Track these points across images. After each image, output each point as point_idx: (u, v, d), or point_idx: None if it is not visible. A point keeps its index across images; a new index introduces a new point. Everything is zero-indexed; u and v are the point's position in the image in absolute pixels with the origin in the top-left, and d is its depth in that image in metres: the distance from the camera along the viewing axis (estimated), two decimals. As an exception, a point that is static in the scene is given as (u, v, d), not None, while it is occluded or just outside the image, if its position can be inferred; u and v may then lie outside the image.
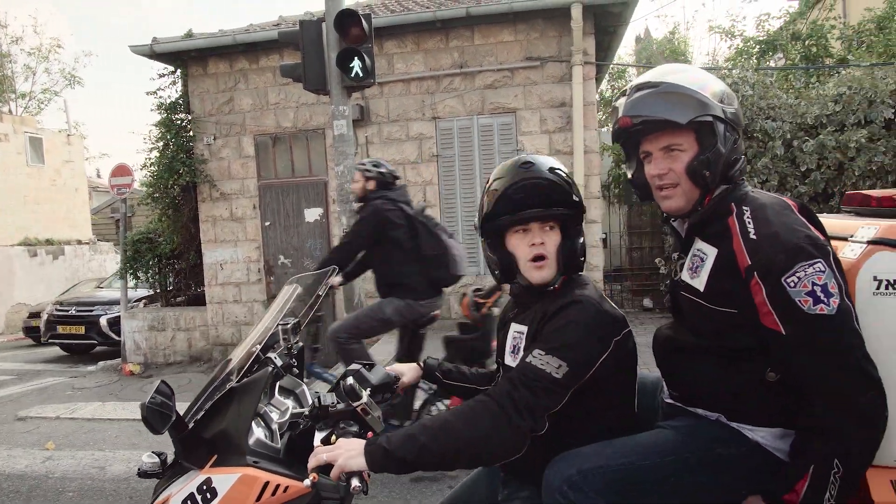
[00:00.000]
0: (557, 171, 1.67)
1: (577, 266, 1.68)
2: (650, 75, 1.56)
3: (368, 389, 1.79)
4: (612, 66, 11.00)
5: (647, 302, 9.01)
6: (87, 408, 6.27)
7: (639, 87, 1.54)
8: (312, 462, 1.44)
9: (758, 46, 11.22)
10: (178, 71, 9.17)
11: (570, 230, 1.68)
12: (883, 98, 6.87)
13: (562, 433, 1.56)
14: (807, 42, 10.52)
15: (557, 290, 1.67)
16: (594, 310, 1.55)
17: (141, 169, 9.44)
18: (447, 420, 1.46)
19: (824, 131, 7.01)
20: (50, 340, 10.57)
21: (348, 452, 1.41)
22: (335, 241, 7.57)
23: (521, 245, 1.67)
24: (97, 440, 5.26)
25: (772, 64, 10.83)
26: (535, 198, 1.63)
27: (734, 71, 8.28)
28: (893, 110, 6.85)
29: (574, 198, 1.66)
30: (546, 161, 1.69)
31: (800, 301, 1.33)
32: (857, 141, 6.78)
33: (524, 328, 1.68)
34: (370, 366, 1.92)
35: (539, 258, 1.64)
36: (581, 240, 1.69)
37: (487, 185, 1.73)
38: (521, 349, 1.66)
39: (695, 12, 39.04)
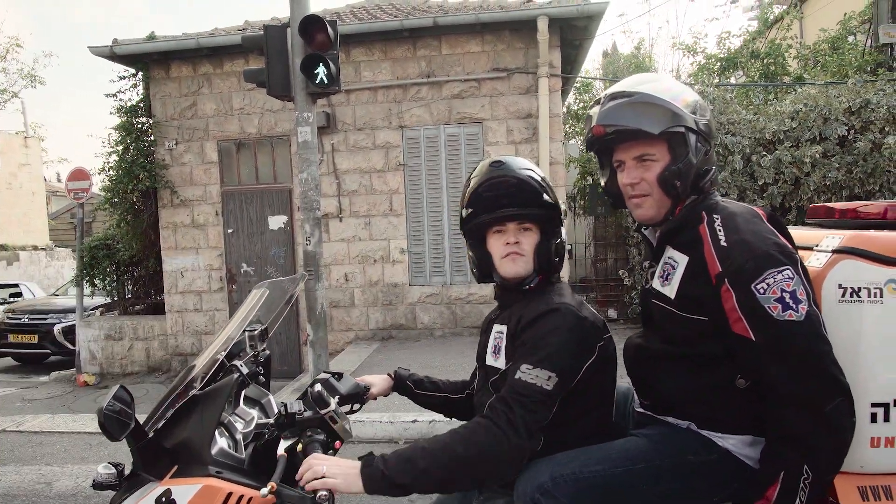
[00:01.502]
0: (529, 171, 1.68)
1: (552, 266, 1.69)
2: (624, 84, 1.57)
3: (336, 398, 1.76)
4: (578, 78, 11.16)
5: (611, 312, 9.12)
6: (36, 420, 6.02)
7: (613, 97, 1.55)
8: (308, 476, 1.39)
9: (719, 63, 11.55)
10: (140, 74, 8.98)
11: (548, 231, 1.69)
12: (836, 115, 7.12)
13: (545, 441, 1.55)
14: (765, 60, 10.88)
15: (533, 290, 1.68)
16: (574, 317, 1.55)
17: (99, 173, 9.20)
18: (446, 443, 1.44)
19: (781, 147, 7.22)
20: (0, 350, 10.16)
21: (345, 476, 1.38)
22: (299, 250, 7.47)
23: (496, 244, 1.69)
24: (45, 454, 5.05)
25: (732, 80, 11.14)
26: (507, 197, 1.64)
27: (696, 86, 8.48)
28: (846, 127, 7.09)
29: (547, 198, 1.66)
30: (518, 162, 1.70)
31: (769, 307, 1.34)
32: (812, 157, 7.00)
33: (504, 328, 1.67)
34: (339, 375, 1.89)
35: (512, 254, 1.65)
36: (557, 241, 1.70)
37: (465, 187, 1.74)
38: (502, 349, 1.66)
39: (659, 29, 40.05)
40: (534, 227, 1.68)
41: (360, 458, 1.42)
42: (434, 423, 4.71)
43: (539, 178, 1.67)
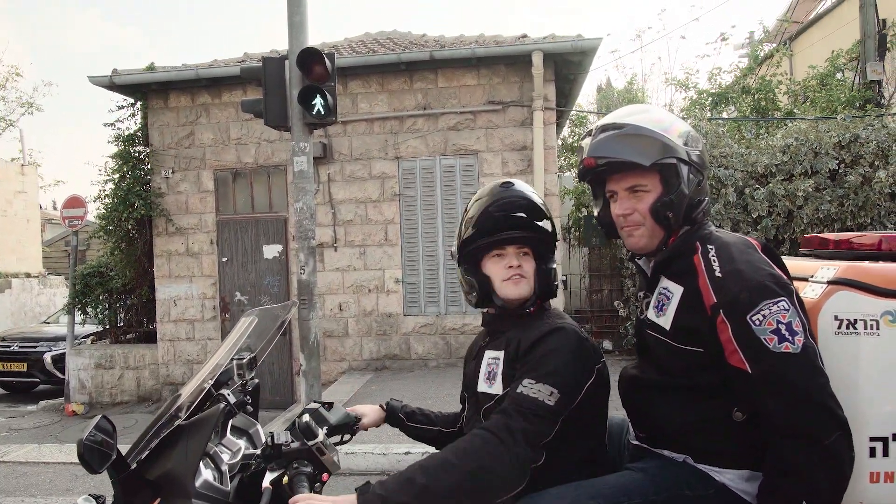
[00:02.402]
0: (534, 194, 1.73)
1: (551, 290, 1.71)
2: (615, 116, 1.58)
3: (325, 428, 1.72)
4: (572, 112, 11.29)
5: (606, 344, 9.06)
6: (21, 450, 5.90)
7: (604, 128, 1.55)
8: None
9: (710, 98, 11.71)
10: (139, 103, 9.04)
11: (544, 257, 1.72)
12: (827, 150, 7.20)
13: (543, 462, 1.51)
14: (756, 96, 11.03)
15: (533, 314, 1.69)
16: (576, 337, 1.58)
17: (95, 200, 9.18)
18: (445, 458, 1.41)
19: (774, 180, 7.28)
20: (-12, 379, 10.02)
21: None
22: (294, 279, 7.45)
23: (496, 268, 1.69)
24: (29, 485, 4.93)
25: (724, 115, 11.29)
26: (513, 219, 1.66)
27: (689, 120, 8.58)
28: (837, 161, 7.17)
29: (548, 223, 1.70)
30: (524, 185, 1.74)
31: (765, 339, 1.33)
32: (804, 190, 7.06)
33: (500, 353, 1.66)
34: (329, 405, 1.85)
35: (515, 276, 1.67)
36: (553, 265, 1.73)
37: (465, 212, 1.76)
38: (498, 374, 1.64)
39: (651, 65, 40.71)
40: (530, 251, 1.70)
41: (356, 489, 1.38)
42: (427, 455, 4.63)
43: (542, 202, 1.72)
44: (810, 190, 7.07)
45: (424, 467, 1.39)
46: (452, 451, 1.42)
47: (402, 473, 1.40)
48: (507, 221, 1.66)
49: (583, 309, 9.69)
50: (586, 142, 1.59)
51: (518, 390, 1.48)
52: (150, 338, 9.42)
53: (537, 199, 1.71)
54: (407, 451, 4.74)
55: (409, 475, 1.38)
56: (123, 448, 1.41)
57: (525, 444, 1.41)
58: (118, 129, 9.00)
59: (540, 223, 1.68)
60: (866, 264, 1.54)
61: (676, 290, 1.50)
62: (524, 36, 8.54)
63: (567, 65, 8.28)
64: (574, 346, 1.55)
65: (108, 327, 9.88)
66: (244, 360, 1.79)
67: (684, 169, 1.50)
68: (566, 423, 1.51)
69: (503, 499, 1.48)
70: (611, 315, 8.84)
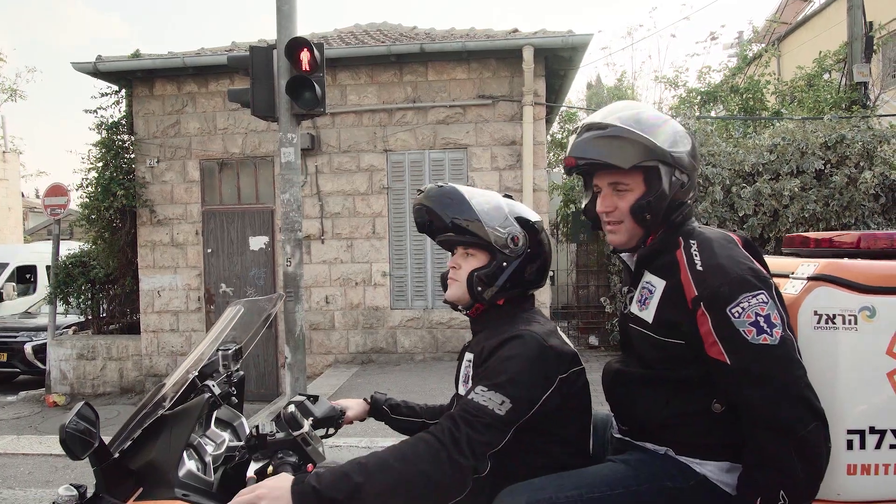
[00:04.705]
0: (449, 199, 1.66)
1: (474, 296, 1.66)
2: (602, 114, 1.58)
3: (311, 420, 1.72)
4: (562, 108, 11.31)
5: (592, 339, 9.10)
6: (0, 441, 5.84)
7: (588, 128, 1.56)
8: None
9: (699, 97, 11.78)
10: (123, 91, 8.93)
11: (494, 259, 1.66)
12: (813, 150, 7.27)
13: (505, 471, 1.52)
14: (744, 95, 11.12)
15: (498, 317, 1.68)
16: (537, 345, 1.51)
17: (77, 189, 9.06)
18: (384, 459, 1.38)
19: (760, 179, 7.35)
20: (-33, 369, 9.86)
21: (272, 494, 1.30)
22: (280, 271, 7.41)
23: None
24: (7, 477, 4.87)
25: (712, 114, 11.36)
26: (423, 224, 1.75)
27: (677, 119, 8.62)
28: (823, 162, 7.25)
29: (461, 226, 1.64)
30: (441, 190, 1.70)
31: (744, 331, 1.35)
32: (790, 189, 7.13)
33: (472, 356, 1.66)
34: (314, 398, 1.85)
35: (449, 279, 1.72)
36: (488, 271, 1.64)
37: None
38: (470, 377, 1.63)
39: (642, 63, 40.83)
40: (478, 252, 1.67)
41: (292, 481, 1.34)
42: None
43: (450, 205, 1.65)
44: (796, 189, 7.14)
45: (363, 465, 1.36)
46: (393, 453, 1.39)
47: (340, 467, 1.37)
48: (433, 224, 1.70)
49: (570, 304, 9.73)
50: (571, 139, 1.60)
51: (469, 397, 1.46)
52: (133, 329, 9.34)
53: (439, 204, 1.66)
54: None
55: (347, 470, 1.35)
56: (107, 439, 1.40)
57: (469, 453, 1.38)
58: (101, 116, 8.88)
59: (452, 226, 1.65)
60: (845, 261, 1.56)
61: (659, 284, 1.52)
62: (515, 30, 8.53)
63: (557, 60, 8.28)
64: (533, 354, 1.49)
65: (90, 318, 9.77)
66: (230, 352, 1.79)
67: (666, 171, 1.50)
68: (529, 432, 1.50)
69: None
70: (597, 311, 8.89)
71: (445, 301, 1.76)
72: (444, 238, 1.70)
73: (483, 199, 1.68)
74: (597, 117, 1.57)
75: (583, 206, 1.71)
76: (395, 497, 1.35)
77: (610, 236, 1.62)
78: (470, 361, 1.66)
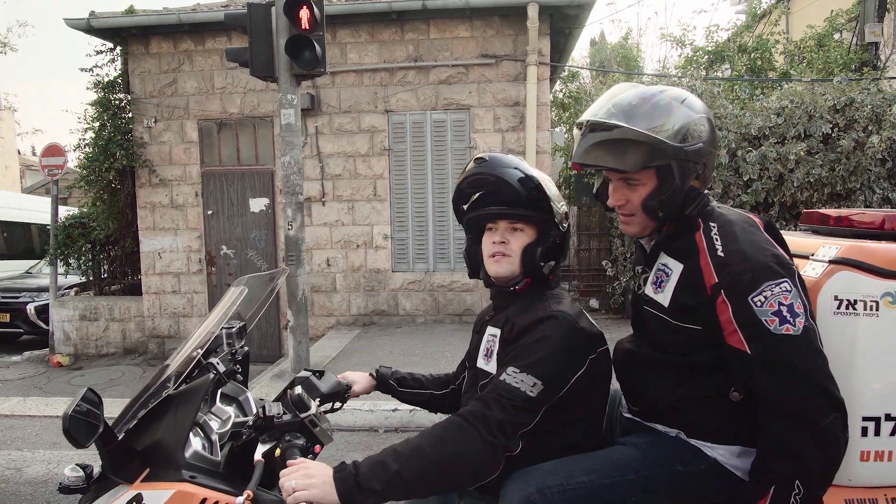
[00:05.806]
0: (515, 169, 1.61)
1: (536, 270, 1.63)
2: (606, 109, 1.48)
3: (318, 399, 1.71)
4: (566, 67, 11.09)
5: (593, 302, 9.13)
6: (7, 403, 5.89)
7: (592, 128, 1.48)
8: (284, 496, 1.33)
9: (706, 56, 11.53)
10: (118, 48, 8.73)
11: (545, 234, 1.63)
12: (822, 113, 7.13)
13: (525, 447, 1.51)
14: (752, 55, 10.87)
15: (527, 293, 1.64)
16: (569, 326, 1.51)
17: (75, 150, 8.95)
18: (419, 444, 1.39)
19: (766, 143, 7.23)
20: (-30, 329, 9.92)
21: (322, 486, 1.31)
22: (280, 233, 7.37)
23: (486, 242, 1.67)
24: (15, 438, 4.93)
25: (719, 74, 11.14)
26: (487, 196, 1.62)
27: (683, 79, 8.45)
28: (830, 125, 7.12)
29: (529, 199, 1.59)
30: (504, 160, 1.64)
31: (766, 321, 1.31)
32: (796, 153, 7.02)
33: (497, 331, 1.63)
34: (320, 373, 1.83)
35: (497, 254, 1.63)
36: (547, 246, 1.62)
37: None
38: (495, 353, 1.61)
39: (648, 20, 40.01)
40: (527, 227, 1.63)
41: (334, 468, 1.37)
42: (415, 413, 4.68)
43: (522, 178, 1.59)
44: (802, 154, 7.03)
45: (398, 453, 1.38)
46: (426, 438, 1.40)
47: (375, 456, 1.39)
48: (481, 199, 1.63)
49: (571, 267, 9.72)
50: (576, 136, 1.54)
51: (501, 378, 1.46)
52: (134, 290, 9.34)
53: (517, 174, 1.59)
54: (395, 409, 4.79)
55: (383, 458, 1.37)
56: (110, 420, 1.38)
57: (500, 434, 1.40)
58: (97, 75, 8.70)
59: (517, 200, 1.58)
60: (869, 244, 1.51)
61: (676, 268, 1.48)
62: (520, -13, 8.29)
63: (563, 18, 8.07)
64: (565, 335, 1.49)
65: (91, 279, 9.78)
66: (233, 329, 1.76)
67: (676, 166, 1.44)
68: (553, 412, 1.50)
69: (476, 485, 1.48)
70: (599, 273, 8.88)
71: (488, 278, 1.68)
72: (501, 211, 1.61)
73: (540, 174, 1.65)
74: (602, 114, 1.48)
75: (594, 190, 1.66)
76: (432, 481, 1.38)
77: (623, 227, 1.59)
78: (494, 336, 1.63)
